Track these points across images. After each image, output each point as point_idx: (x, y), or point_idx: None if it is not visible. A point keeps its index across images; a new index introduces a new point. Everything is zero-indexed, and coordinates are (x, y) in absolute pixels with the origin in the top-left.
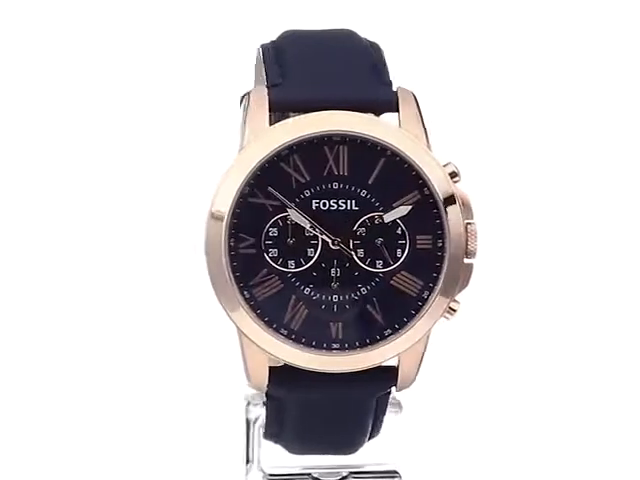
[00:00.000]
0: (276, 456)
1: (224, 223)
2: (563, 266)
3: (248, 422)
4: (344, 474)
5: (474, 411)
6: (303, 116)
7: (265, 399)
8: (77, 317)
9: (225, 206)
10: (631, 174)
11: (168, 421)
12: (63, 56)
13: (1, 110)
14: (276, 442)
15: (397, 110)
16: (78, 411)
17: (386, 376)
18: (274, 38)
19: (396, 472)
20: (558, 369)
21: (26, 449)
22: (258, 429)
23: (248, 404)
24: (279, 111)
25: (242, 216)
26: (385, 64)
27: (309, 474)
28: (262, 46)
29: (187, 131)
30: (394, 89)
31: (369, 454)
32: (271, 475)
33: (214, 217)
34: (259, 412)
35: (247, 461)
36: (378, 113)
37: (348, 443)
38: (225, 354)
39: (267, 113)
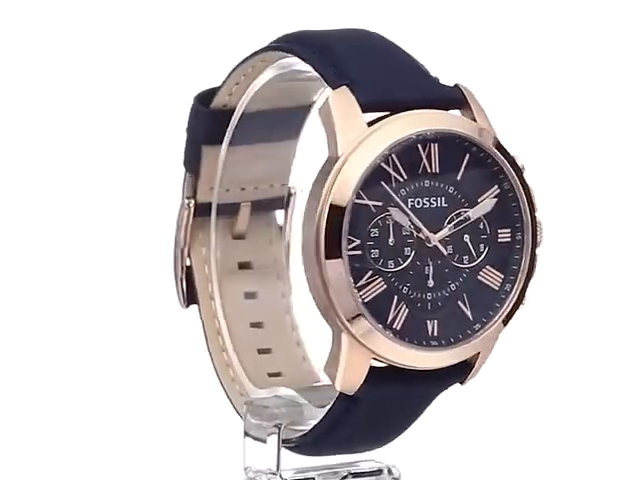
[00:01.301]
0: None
1: (343, 226)
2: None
3: (280, 428)
4: (344, 474)
5: (476, 409)
6: (397, 116)
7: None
8: (77, 318)
9: (341, 209)
10: None
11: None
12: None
13: None
14: (297, 446)
15: (463, 107)
16: (76, 417)
17: (459, 371)
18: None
19: (395, 470)
20: (557, 367)
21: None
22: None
23: (268, 409)
24: (366, 112)
25: (351, 218)
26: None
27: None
28: (288, 46)
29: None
30: (452, 86)
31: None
32: None
33: (330, 220)
34: (284, 415)
35: (277, 468)
36: (445, 110)
37: (389, 439)
38: None
39: (361, 114)
